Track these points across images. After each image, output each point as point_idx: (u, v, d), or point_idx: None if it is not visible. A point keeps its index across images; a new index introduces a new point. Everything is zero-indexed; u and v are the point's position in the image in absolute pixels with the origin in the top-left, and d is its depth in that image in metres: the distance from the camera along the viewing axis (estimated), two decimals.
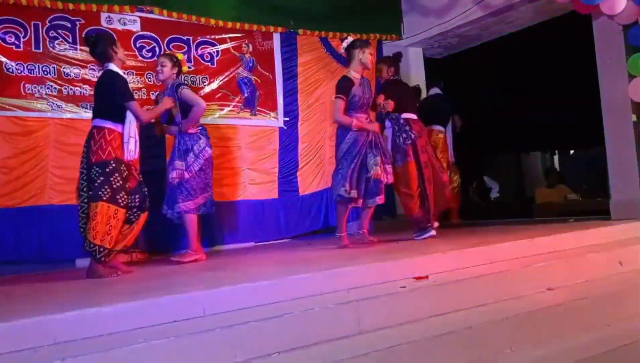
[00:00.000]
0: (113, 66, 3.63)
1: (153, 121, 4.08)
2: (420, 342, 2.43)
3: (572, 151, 10.46)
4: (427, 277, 2.92)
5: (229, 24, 5.54)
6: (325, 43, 6.17)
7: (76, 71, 4.81)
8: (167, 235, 4.84)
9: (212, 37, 5.52)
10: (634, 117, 4.51)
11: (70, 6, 4.73)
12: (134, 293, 2.61)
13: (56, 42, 4.74)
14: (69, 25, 4.80)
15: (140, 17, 5.10)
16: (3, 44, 4.54)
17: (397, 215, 6.09)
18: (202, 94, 5.29)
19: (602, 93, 4.70)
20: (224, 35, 5.57)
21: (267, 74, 5.82)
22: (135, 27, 5.10)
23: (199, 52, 5.43)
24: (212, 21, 5.45)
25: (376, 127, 4.26)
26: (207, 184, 4.13)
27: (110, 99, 3.55)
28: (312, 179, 6.02)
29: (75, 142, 4.75)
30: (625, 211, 4.45)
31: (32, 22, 4.65)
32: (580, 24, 4.96)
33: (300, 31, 5.98)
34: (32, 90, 4.62)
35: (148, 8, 5.08)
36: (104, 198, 3.43)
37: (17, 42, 4.59)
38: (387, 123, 4.48)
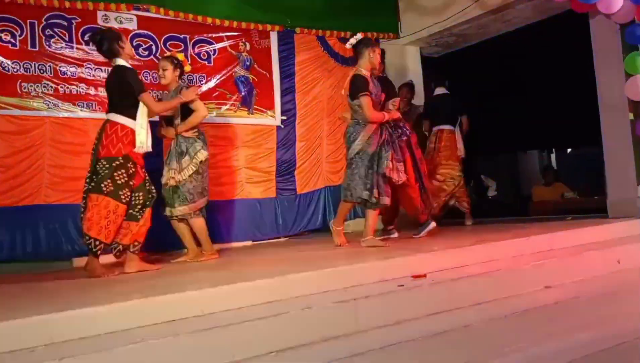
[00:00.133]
0: (121, 61, 3.65)
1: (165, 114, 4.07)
2: (418, 340, 2.44)
3: (569, 150, 10.48)
4: (425, 276, 2.92)
5: (226, 23, 5.53)
6: (322, 42, 6.17)
7: (72, 69, 4.79)
8: (165, 234, 4.81)
9: (209, 35, 5.50)
10: (631, 116, 4.52)
11: (67, 4, 4.71)
12: (131, 293, 2.61)
13: (52, 40, 4.72)
14: (65, 23, 4.78)
15: (137, 16, 5.09)
16: None
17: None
18: (199, 93, 5.27)
19: (599, 91, 4.72)
20: (221, 34, 5.56)
21: (265, 72, 5.81)
22: (132, 25, 5.08)
23: (196, 50, 5.42)
24: (209, 20, 5.44)
25: (398, 115, 4.30)
26: (204, 188, 4.13)
27: (123, 93, 3.57)
28: (309, 177, 6.02)
29: (71, 141, 4.76)
30: (622, 209, 4.46)
31: (28, 21, 4.62)
32: (577, 22, 4.97)
33: (298, 30, 5.97)
34: (28, 88, 4.60)
35: (145, 6, 5.06)
36: (105, 192, 3.44)
37: (13, 41, 4.57)
38: None
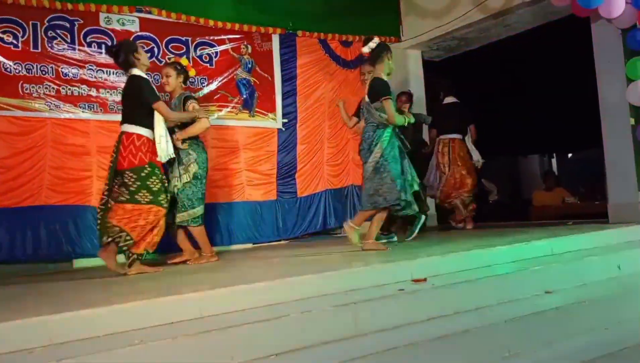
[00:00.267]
0: (137, 71, 3.70)
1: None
2: (418, 344, 2.43)
3: (570, 155, 10.49)
4: (425, 280, 2.92)
5: (228, 25, 5.54)
6: (324, 45, 6.18)
7: (74, 71, 4.80)
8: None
9: (211, 38, 5.51)
10: (632, 121, 4.52)
11: (69, 6, 4.72)
12: (130, 294, 2.60)
13: (54, 42, 4.73)
14: (67, 25, 4.79)
15: (139, 18, 5.10)
16: (1, 43, 4.53)
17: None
18: (200, 95, 5.29)
19: (600, 96, 4.71)
20: (222, 37, 5.57)
21: (266, 75, 5.82)
22: (134, 27, 5.09)
23: (198, 53, 5.43)
24: (211, 22, 5.45)
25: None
26: (204, 194, 4.13)
27: (138, 102, 3.62)
28: (310, 180, 6.02)
29: (73, 142, 4.76)
30: (623, 214, 4.45)
31: (30, 22, 4.64)
32: (578, 27, 4.97)
33: (300, 33, 5.98)
34: (30, 90, 4.61)
35: (147, 8, 5.08)
36: (144, 202, 3.50)
37: (15, 42, 4.58)
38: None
